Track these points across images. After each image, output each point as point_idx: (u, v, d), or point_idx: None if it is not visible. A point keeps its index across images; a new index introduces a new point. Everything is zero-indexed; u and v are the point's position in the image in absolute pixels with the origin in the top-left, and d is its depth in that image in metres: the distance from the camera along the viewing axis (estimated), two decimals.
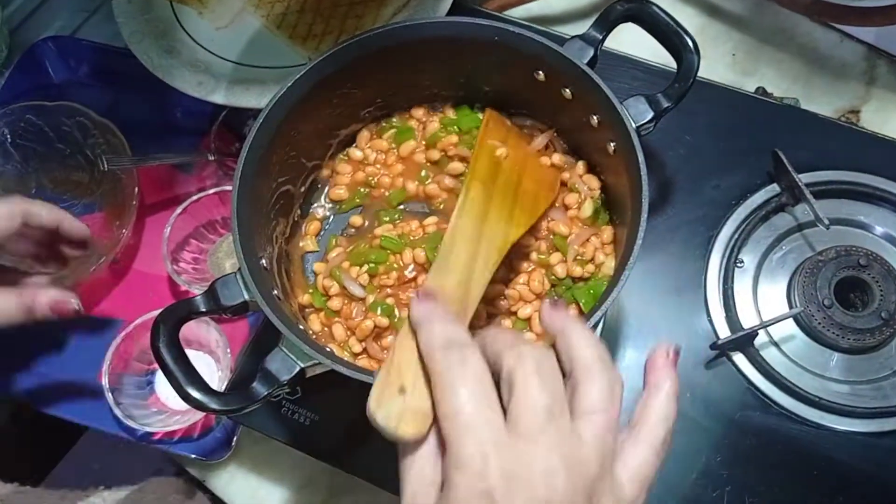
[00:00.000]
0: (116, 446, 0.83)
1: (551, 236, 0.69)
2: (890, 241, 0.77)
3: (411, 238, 0.70)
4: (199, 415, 0.79)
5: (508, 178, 0.68)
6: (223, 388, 0.79)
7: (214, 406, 0.56)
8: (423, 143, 0.74)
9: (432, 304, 0.47)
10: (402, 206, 0.73)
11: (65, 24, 1.05)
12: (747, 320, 0.75)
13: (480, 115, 0.74)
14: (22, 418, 0.89)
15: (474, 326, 0.66)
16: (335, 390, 0.73)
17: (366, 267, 0.68)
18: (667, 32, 0.65)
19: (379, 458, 0.73)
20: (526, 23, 0.88)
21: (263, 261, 0.64)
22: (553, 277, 0.67)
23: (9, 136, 0.91)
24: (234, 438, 0.80)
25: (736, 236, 0.77)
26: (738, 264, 0.77)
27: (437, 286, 0.58)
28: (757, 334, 0.74)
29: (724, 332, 0.74)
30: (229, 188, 0.74)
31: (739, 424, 0.72)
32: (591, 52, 0.65)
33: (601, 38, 0.66)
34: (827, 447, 0.71)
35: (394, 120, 0.76)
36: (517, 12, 0.95)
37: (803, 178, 0.76)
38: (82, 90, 0.98)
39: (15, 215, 0.70)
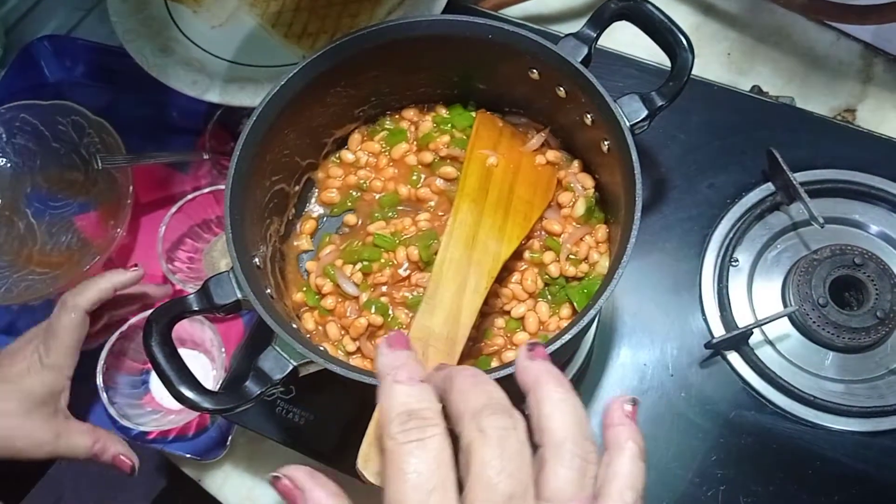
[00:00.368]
0: None
1: (544, 235, 0.69)
2: (885, 239, 0.77)
3: (404, 235, 0.70)
4: (194, 414, 0.79)
5: (500, 189, 0.68)
6: (218, 387, 0.78)
7: (207, 405, 0.56)
8: (415, 144, 0.74)
9: (400, 354, 0.42)
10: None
11: (60, 24, 1.05)
12: (742, 319, 0.75)
13: (473, 114, 0.74)
14: None
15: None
16: (330, 389, 0.73)
17: (359, 265, 0.68)
18: (661, 30, 0.65)
19: None
20: (521, 21, 0.88)
21: (257, 259, 0.64)
22: (546, 276, 0.67)
23: (4, 135, 0.91)
24: (229, 438, 0.80)
25: (731, 235, 0.77)
26: (733, 263, 0.77)
27: (424, 327, 0.59)
28: (752, 333, 0.73)
29: (718, 331, 0.74)
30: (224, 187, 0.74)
31: (734, 423, 0.72)
32: (585, 51, 0.65)
33: (595, 36, 0.66)
34: (822, 446, 0.71)
35: (386, 122, 0.76)
36: (512, 11, 0.95)
37: (798, 177, 0.76)
38: (77, 89, 0.98)
39: (108, 289, 0.77)
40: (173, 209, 0.85)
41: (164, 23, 0.91)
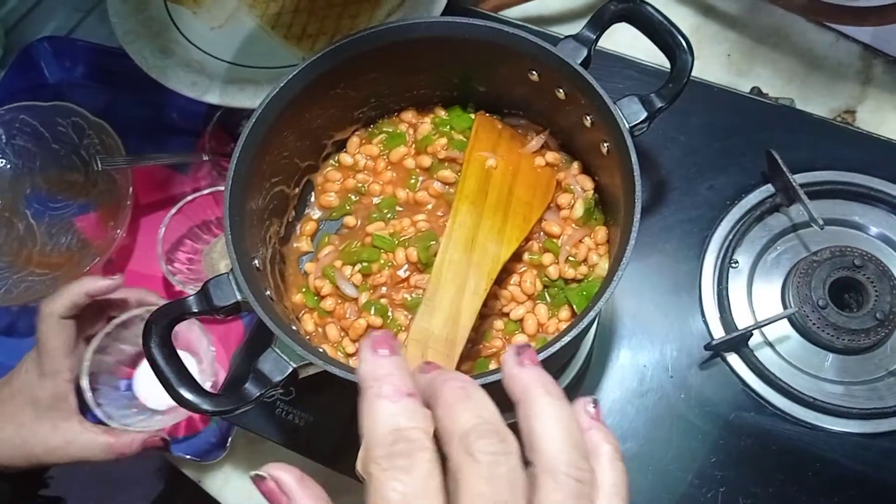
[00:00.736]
0: None
1: (543, 236, 0.69)
2: (885, 241, 0.77)
3: (403, 236, 0.70)
4: (182, 414, 0.79)
5: (500, 191, 0.68)
6: (209, 384, 0.79)
7: (206, 407, 0.56)
8: (414, 147, 0.74)
9: (384, 363, 0.37)
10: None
11: (60, 25, 1.05)
12: (742, 321, 0.75)
13: (472, 116, 0.74)
14: None
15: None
16: (330, 391, 0.73)
17: (359, 266, 0.68)
18: (660, 32, 0.65)
19: None
20: (520, 23, 0.88)
21: (256, 261, 0.64)
22: (545, 278, 0.67)
23: (3, 137, 0.91)
24: (229, 439, 0.80)
25: (730, 237, 0.77)
26: (733, 265, 0.77)
27: (423, 329, 0.58)
28: (751, 335, 0.73)
29: (718, 333, 0.74)
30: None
31: (734, 425, 0.72)
32: (585, 53, 0.65)
33: (595, 37, 0.66)
34: (821, 448, 0.71)
35: (384, 125, 0.76)
36: (512, 12, 0.95)
37: (798, 179, 0.76)
38: (77, 90, 0.98)
39: (81, 295, 0.77)
40: (173, 210, 0.85)
41: (164, 24, 0.91)
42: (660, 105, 0.63)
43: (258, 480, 0.38)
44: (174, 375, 0.56)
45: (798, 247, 0.78)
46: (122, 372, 0.84)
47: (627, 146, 0.61)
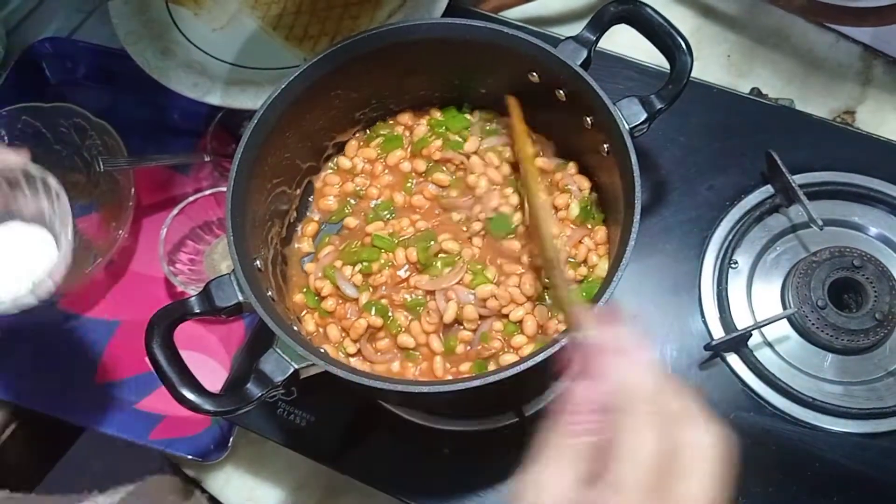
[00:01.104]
0: (115, 447, 0.83)
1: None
2: (884, 241, 0.77)
3: (402, 236, 0.70)
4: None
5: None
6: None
7: (208, 407, 0.56)
8: (410, 150, 0.75)
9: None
10: None
11: (62, 26, 1.05)
12: (741, 321, 0.75)
13: (468, 116, 0.75)
14: (19, 420, 0.89)
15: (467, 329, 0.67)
16: (331, 391, 0.73)
17: (359, 266, 0.69)
18: (660, 34, 0.65)
19: (374, 460, 0.74)
20: (521, 24, 0.88)
21: (258, 262, 0.64)
22: (546, 280, 0.67)
23: (6, 138, 0.91)
24: (231, 439, 0.81)
25: (730, 237, 0.77)
26: (733, 265, 0.77)
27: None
28: (751, 335, 0.74)
29: (718, 333, 0.74)
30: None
31: (733, 425, 0.71)
32: (585, 54, 0.65)
33: (595, 39, 0.66)
34: (821, 448, 0.71)
35: (382, 128, 0.76)
36: (513, 13, 0.95)
37: (797, 179, 0.76)
38: (79, 91, 0.98)
39: None
40: (175, 211, 0.85)
41: (166, 25, 0.91)
42: (659, 106, 0.64)
43: None
44: (177, 376, 0.57)
45: (797, 247, 0.78)
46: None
47: (627, 147, 0.61)
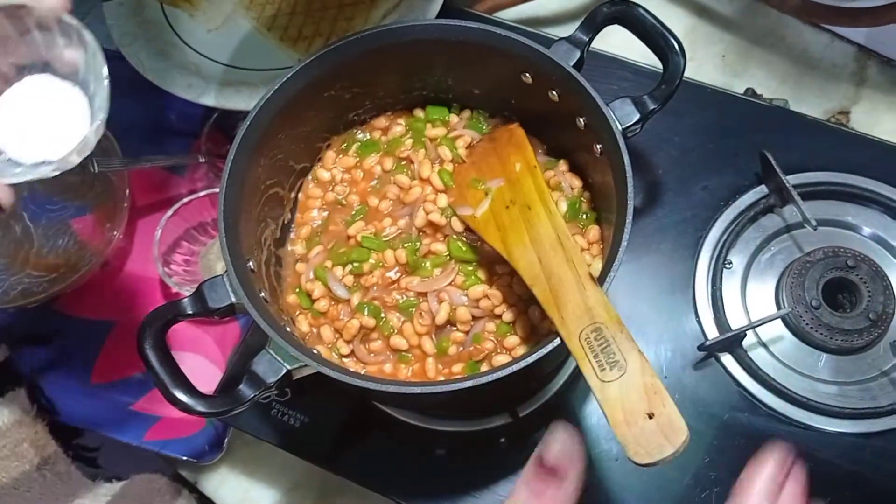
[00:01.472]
0: (111, 448, 0.83)
1: None
2: (878, 241, 0.77)
3: (385, 236, 0.70)
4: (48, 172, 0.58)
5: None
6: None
7: (200, 408, 0.56)
8: (384, 151, 0.75)
9: None
10: None
11: None
12: (735, 321, 0.75)
13: (454, 116, 0.76)
14: None
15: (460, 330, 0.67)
16: (325, 392, 0.73)
17: (349, 267, 0.69)
18: (652, 34, 0.65)
19: (369, 461, 0.74)
20: (515, 24, 0.88)
21: (251, 263, 0.64)
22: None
23: None
24: (226, 440, 0.81)
25: (724, 237, 0.77)
26: (727, 265, 0.77)
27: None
28: (745, 335, 0.74)
29: (712, 333, 0.74)
30: None
31: (728, 425, 0.72)
32: (578, 55, 0.65)
33: (588, 40, 0.66)
34: (815, 448, 0.71)
35: (357, 133, 0.76)
36: (507, 14, 0.95)
37: (791, 180, 0.76)
38: None
39: None
40: (169, 212, 0.85)
41: (161, 27, 0.91)
42: (652, 107, 0.63)
43: None
44: (169, 377, 0.56)
45: (791, 247, 0.78)
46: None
47: (620, 148, 0.61)
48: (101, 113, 0.55)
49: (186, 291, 0.82)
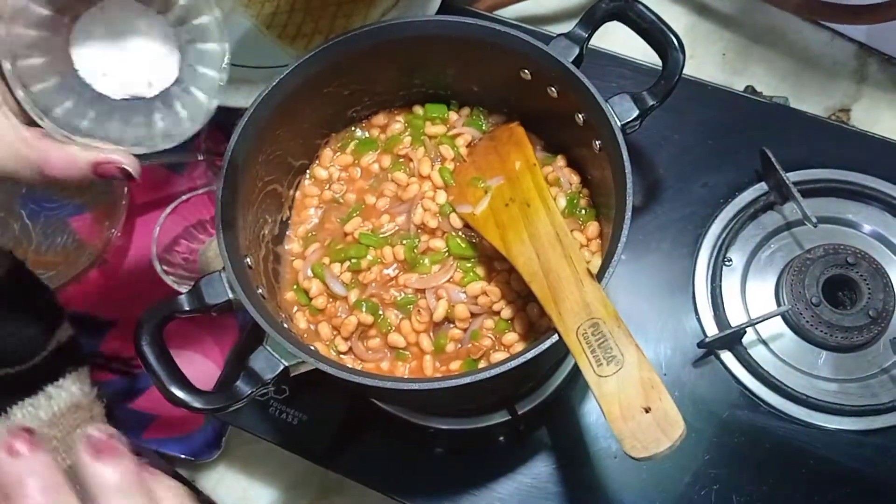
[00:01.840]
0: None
1: None
2: (878, 238, 0.77)
3: (382, 232, 0.70)
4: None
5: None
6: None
7: (197, 405, 0.56)
8: (382, 148, 0.75)
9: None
10: None
11: None
12: (735, 318, 0.75)
13: (454, 113, 0.76)
14: None
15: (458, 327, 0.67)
16: (323, 390, 0.73)
17: (347, 263, 0.68)
18: (651, 30, 0.65)
19: (368, 459, 0.74)
20: (515, 22, 0.88)
21: (249, 259, 0.64)
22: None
23: None
24: (224, 439, 0.80)
25: (724, 234, 0.77)
26: (727, 262, 0.77)
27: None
28: (745, 332, 0.73)
29: (711, 331, 0.74)
30: None
31: (727, 423, 0.72)
32: (577, 51, 0.65)
33: (587, 36, 0.66)
34: (815, 445, 0.71)
35: (357, 131, 0.76)
36: (507, 12, 0.95)
37: (791, 177, 0.76)
38: None
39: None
40: (168, 210, 0.85)
41: None
42: (652, 103, 0.63)
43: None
44: (165, 373, 0.56)
45: (791, 245, 0.78)
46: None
47: (619, 144, 0.61)
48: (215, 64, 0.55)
49: (185, 290, 0.82)
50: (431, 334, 0.67)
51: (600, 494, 0.70)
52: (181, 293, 0.63)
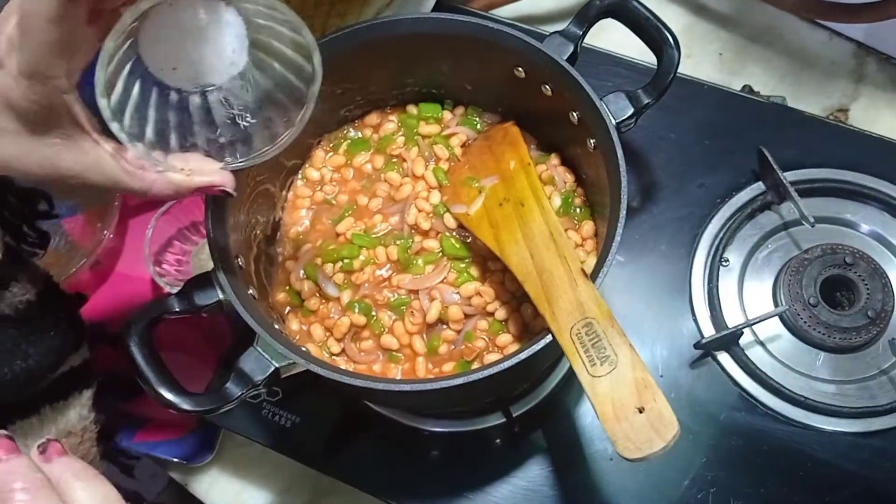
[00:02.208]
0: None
1: None
2: (876, 238, 0.76)
3: (375, 232, 0.70)
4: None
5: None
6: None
7: (186, 407, 0.55)
8: (374, 148, 0.74)
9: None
10: None
11: None
12: (732, 319, 0.74)
13: (448, 112, 0.75)
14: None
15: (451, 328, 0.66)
16: (317, 392, 0.73)
17: (340, 264, 0.68)
18: (646, 27, 0.64)
19: (361, 462, 0.73)
20: (511, 21, 0.87)
21: (240, 260, 0.63)
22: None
23: None
24: (217, 442, 0.80)
25: (721, 235, 0.77)
26: (724, 263, 0.76)
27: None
28: (742, 333, 0.73)
29: (708, 331, 0.74)
30: None
31: (724, 425, 0.71)
32: (571, 48, 0.65)
33: (581, 33, 0.66)
34: (813, 448, 0.70)
35: (350, 131, 0.75)
36: (503, 11, 0.94)
37: (788, 176, 0.75)
38: None
39: None
40: (161, 211, 0.84)
41: None
42: (647, 101, 0.63)
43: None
44: (154, 375, 0.56)
45: (789, 245, 0.77)
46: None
47: (614, 142, 0.60)
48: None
49: None
50: (424, 336, 0.66)
51: (596, 497, 0.70)
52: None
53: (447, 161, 0.72)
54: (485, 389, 0.62)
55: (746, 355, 0.73)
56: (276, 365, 0.56)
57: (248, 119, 0.53)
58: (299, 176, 0.74)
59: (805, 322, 0.72)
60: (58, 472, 0.44)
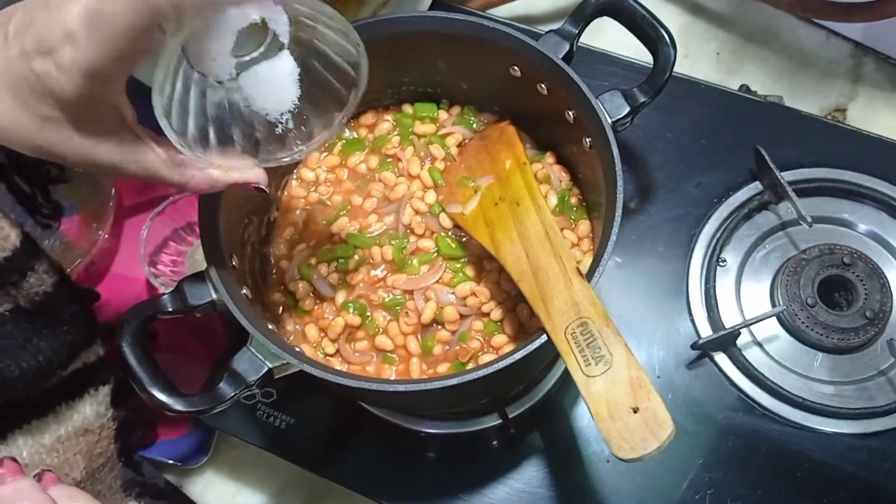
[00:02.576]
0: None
1: None
2: (874, 238, 0.76)
3: (370, 232, 0.69)
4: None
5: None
6: None
7: (178, 407, 0.55)
8: (369, 148, 0.74)
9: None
10: None
11: None
12: (730, 319, 0.74)
13: (444, 112, 0.75)
14: None
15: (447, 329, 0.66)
16: (312, 393, 0.73)
17: (335, 264, 0.67)
18: (642, 26, 0.64)
19: (357, 464, 0.73)
20: (508, 21, 0.87)
21: (234, 259, 0.63)
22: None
23: None
24: (212, 443, 0.79)
25: (718, 235, 0.76)
26: (721, 263, 0.76)
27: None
28: (739, 334, 0.72)
29: (705, 332, 0.73)
30: None
31: (722, 426, 0.71)
32: (567, 47, 0.64)
33: (577, 32, 0.65)
34: (811, 449, 0.70)
35: (344, 132, 0.75)
36: (500, 11, 0.94)
37: (786, 176, 0.75)
38: None
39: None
40: (156, 211, 0.84)
41: None
42: (643, 100, 0.62)
43: None
44: (147, 375, 0.55)
45: (787, 245, 0.77)
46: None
47: (609, 141, 0.60)
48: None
49: None
50: (419, 336, 0.66)
51: (592, 499, 0.69)
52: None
53: (443, 161, 0.72)
54: (480, 390, 0.62)
55: (744, 356, 0.72)
56: (270, 365, 0.56)
57: (287, 115, 0.52)
58: (294, 176, 0.74)
59: (803, 322, 0.72)
60: (55, 496, 0.48)
